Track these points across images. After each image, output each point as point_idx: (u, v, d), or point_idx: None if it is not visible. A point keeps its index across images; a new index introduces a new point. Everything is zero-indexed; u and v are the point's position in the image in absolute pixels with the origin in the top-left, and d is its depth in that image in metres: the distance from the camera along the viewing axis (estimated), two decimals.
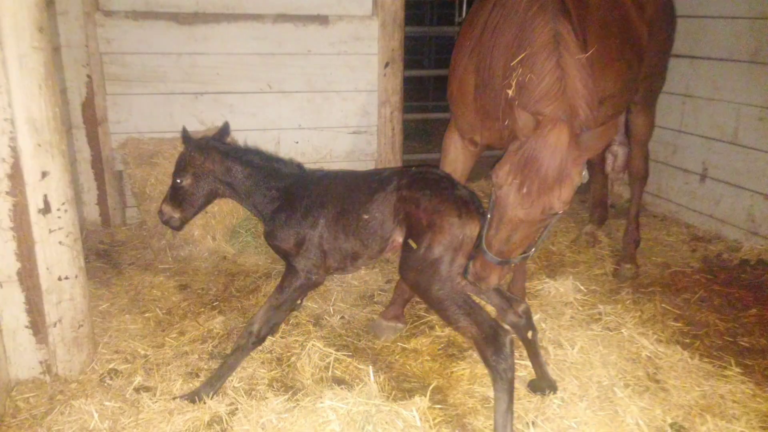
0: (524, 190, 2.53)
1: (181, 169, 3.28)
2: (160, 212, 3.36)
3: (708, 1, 5.30)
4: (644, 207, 6.04)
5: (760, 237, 4.94)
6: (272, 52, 5.28)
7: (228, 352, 3.32)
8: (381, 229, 2.99)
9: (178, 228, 3.44)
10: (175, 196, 3.31)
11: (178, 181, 3.28)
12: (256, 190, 3.24)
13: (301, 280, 3.06)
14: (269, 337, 3.60)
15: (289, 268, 3.11)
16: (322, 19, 5.30)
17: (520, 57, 2.80)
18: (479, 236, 2.73)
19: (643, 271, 4.67)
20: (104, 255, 4.85)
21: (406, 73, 5.71)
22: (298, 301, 3.58)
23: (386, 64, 5.46)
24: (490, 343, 2.63)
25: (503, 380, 2.61)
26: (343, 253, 3.06)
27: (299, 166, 3.37)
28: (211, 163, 3.24)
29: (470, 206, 2.85)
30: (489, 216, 2.67)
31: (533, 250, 2.78)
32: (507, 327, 2.87)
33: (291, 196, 3.17)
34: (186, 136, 3.28)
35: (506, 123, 2.93)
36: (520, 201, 2.54)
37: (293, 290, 3.07)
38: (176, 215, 3.33)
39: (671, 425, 2.86)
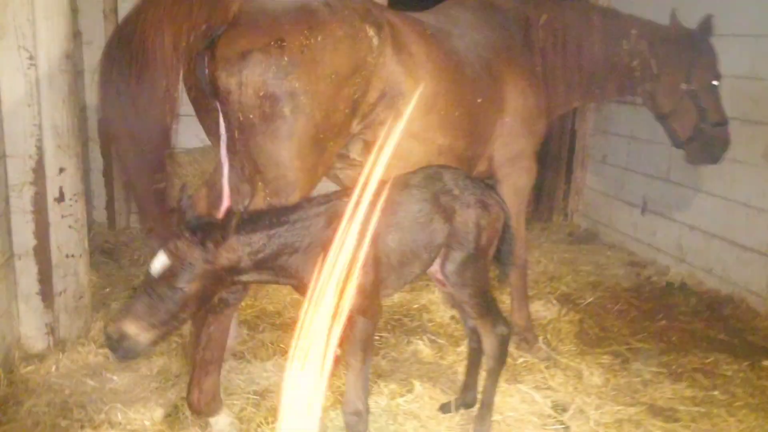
0: None
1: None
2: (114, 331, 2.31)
3: None
4: (597, 236, 6.68)
5: (686, 264, 5.55)
6: None
7: None
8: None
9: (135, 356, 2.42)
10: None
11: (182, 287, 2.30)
12: None
13: None
14: None
15: None
16: None
17: None
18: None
19: (575, 289, 5.25)
20: (108, 252, 5.54)
21: None
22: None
23: None
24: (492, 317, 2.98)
25: (498, 339, 2.98)
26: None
27: None
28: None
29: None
30: None
31: None
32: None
33: None
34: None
35: None
36: None
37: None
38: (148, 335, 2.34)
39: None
